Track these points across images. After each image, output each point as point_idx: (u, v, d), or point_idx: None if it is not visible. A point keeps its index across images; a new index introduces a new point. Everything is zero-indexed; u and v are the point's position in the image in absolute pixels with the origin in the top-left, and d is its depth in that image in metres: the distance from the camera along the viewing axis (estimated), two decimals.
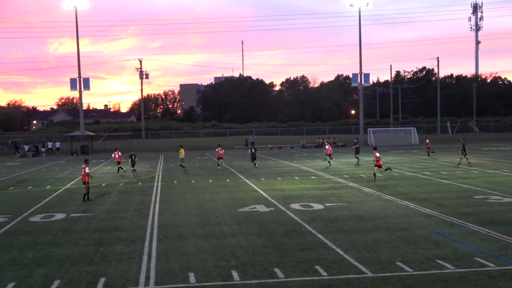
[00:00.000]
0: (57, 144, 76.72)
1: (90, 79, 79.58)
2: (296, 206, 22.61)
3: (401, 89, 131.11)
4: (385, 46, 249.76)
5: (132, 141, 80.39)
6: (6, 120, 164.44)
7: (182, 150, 41.24)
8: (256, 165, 42.87)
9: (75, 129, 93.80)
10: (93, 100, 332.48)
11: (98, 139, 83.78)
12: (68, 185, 33.13)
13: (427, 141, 51.76)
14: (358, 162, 44.53)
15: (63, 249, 15.80)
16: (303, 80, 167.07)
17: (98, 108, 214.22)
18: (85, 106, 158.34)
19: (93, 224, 19.70)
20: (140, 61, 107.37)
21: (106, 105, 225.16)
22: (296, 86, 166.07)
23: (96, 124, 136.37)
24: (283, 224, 18.67)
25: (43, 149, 74.45)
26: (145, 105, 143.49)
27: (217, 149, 44.04)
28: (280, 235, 16.89)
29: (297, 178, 34.07)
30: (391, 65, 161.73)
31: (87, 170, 25.86)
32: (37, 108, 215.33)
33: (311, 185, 30.30)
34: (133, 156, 39.03)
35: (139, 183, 33.25)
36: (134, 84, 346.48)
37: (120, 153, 42.16)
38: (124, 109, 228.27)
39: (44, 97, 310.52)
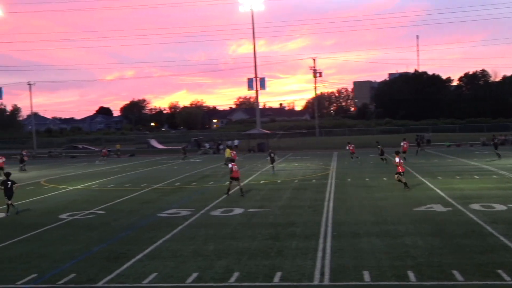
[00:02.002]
0: (236, 142, 79.87)
1: (266, 79, 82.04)
2: (476, 206, 21.40)
3: None
4: None
5: (306, 139, 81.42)
6: (189, 119, 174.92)
7: (228, 150, 44.56)
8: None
9: (252, 127, 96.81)
10: (269, 99, 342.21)
11: (274, 137, 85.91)
12: (246, 181, 34.16)
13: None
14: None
15: (242, 242, 16.22)
16: (483, 74, 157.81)
17: (273, 106, 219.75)
18: (261, 105, 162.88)
19: (269, 219, 20.08)
20: (314, 60, 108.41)
21: (281, 104, 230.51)
22: (475, 80, 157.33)
23: (272, 123, 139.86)
24: (462, 225, 17.77)
25: (221, 147, 77.86)
26: (319, 103, 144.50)
27: (347, 147, 51.17)
28: (459, 236, 16.08)
29: (477, 177, 32.28)
30: None
31: (236, 168, 27.29)
32: (217, 108, 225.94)
33: (492, 184, 28.55)
34: (272, 154, 41.23)
35: (313, 180, 33.50)
36: (308, 82, 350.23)
37: (234, 152, 44.62)
38: (298, 107, 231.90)
39: (223, 97, 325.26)
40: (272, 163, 40.80)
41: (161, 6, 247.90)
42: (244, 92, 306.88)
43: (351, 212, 20.97)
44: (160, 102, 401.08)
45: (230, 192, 27.34)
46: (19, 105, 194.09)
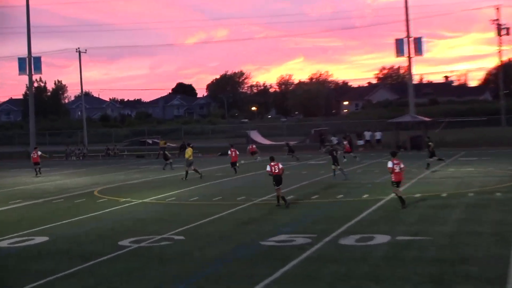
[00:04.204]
0: (378, 135, 78.95)
1: (423, 39, 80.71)
2: None
3: None
4: None
5: (486, 130, 79.35)
6: (308, 101, 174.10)
7: (189, 149, 47.73)
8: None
9: (402, 112, 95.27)
10: (428, 70, 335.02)
11: (436, 126, 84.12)
12: (393, 194, 33.82)
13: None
14: None
15: (386, 285, 16.15)
16: None
17: (435, 81, 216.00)
18: (416, 79, 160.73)
19: (429, 252, 19.75)
20: (498, 9, 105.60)
21: (446, 77, 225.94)
22: None
23: (433, 105, 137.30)
24: None
25: (360, 142, 77.25)
26: (506, 75, 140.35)
27: None
28: None
29: None
30: None
31: (402, 165, 28.88)
32: (349, 84, 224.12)
33: None
34: (335, 152, 42.65)
35: (498, 194, 32.62)
36: (489, 43, 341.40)
37: (237, 152, 51.72)
38: (474, 82, 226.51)
39: (359, 67, 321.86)
40: (334, 163, 42.58)
41: None
42: (390, 59, 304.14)
43: None
44: (265, 76, 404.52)
45: (284, 202, 30.28)
46: (64, 82, 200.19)
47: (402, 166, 28.78)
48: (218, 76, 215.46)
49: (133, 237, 24.13)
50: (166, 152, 60.23)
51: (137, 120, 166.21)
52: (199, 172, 47.19)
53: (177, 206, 33.15)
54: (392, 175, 28.73)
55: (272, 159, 31.48)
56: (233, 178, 46.96)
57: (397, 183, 28.60)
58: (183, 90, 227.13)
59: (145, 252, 21.40)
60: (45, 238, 24.68)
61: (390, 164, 28.73)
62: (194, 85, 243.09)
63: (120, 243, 23.05)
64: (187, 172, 47.03)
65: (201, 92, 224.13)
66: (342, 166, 44.23)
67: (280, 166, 31.00)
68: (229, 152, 52.36)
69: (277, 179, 30.33)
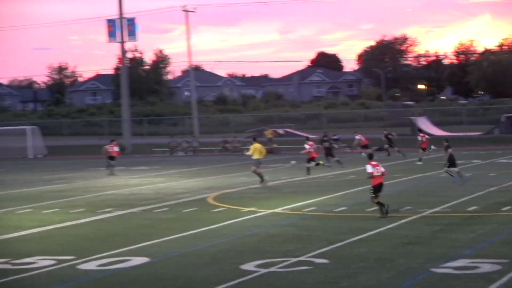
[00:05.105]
0: None
1: None
2: None
3: None
4: None
5: None
6: (497, 77, 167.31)
7: (257, 146, 46.43)
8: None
9: None
10: None
11: None
12: None
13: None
14: None
15: None
16: None
17: None
18: None
19: None
20: None
21: None
22: None
23: None
24: None
25: None
26: None
27: None
28: None
29: None
30: None
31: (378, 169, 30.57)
32: None
33: None
34: (450, 150, 42.77)
35: None
36: None
37: (314, 145, 52.24)
38: None
39: None
40: (448, 164, 42.82)
41: None
42: None
43: None
44: (438, 42, 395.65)
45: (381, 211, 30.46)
46: (166, 52, 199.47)
47: None
48: (373, 43, 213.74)
49: (260, 259, 23.05)
50: (330, 145, 59.43)
51: (263, 102, 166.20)
52: (262, 178, 46.56)
53: (318, 218, 32.43)
54: None
55: (371, 157, 31.18)
56: (396, 181, 44.97)
57: None
58: (326, 62, 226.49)
59: (276, 280, 20.38)
60: (144, 259, 23.79)
61: None
62: (340, 56, 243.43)
63: (242, 267, 22.06)
64: (260, 175, 46.65)
65: (350, 64, 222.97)
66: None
67: (382, 168, 30.80)
68: (307, 147, 51.47)
69: (379, 186, 30.38)
